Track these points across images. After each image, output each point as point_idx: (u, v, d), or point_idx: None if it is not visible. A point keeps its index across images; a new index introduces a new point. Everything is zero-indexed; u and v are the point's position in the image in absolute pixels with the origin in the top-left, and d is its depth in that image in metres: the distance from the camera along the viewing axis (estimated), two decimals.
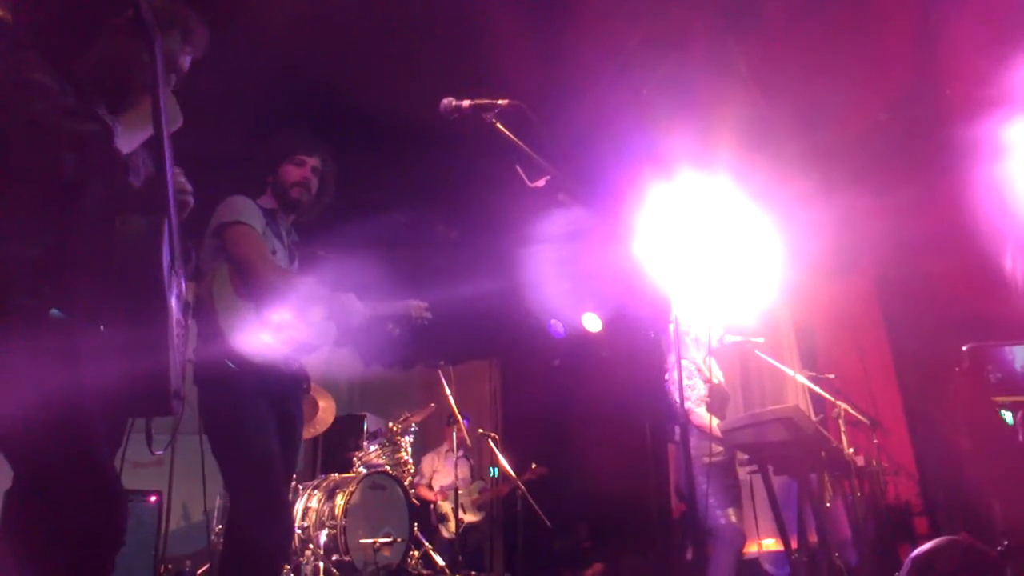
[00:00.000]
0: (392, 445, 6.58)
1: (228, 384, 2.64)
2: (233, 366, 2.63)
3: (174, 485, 4.97)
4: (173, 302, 1.93)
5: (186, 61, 2.21)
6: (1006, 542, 2.76)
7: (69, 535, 1.77)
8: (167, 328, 1.86)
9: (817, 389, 5.38)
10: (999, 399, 2.84)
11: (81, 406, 1.80)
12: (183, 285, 2.07)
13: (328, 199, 3.25)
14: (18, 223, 1.81)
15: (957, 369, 3.03)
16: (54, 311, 1.78)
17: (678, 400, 4.08)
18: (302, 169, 3.10)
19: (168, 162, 1.91)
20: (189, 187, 2.16)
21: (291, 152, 3.11)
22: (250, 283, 2.72)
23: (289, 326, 2.78)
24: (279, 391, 2.85)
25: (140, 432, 2.07)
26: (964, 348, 3.01)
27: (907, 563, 2.67)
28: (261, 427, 2.68)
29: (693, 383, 4.40)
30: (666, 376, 4.34)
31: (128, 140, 1.93)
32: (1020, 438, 2.79)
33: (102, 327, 1.81)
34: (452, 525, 6.86)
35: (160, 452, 2.13)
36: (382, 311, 3.24)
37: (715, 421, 4.23)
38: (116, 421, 2.03)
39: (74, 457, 1.80)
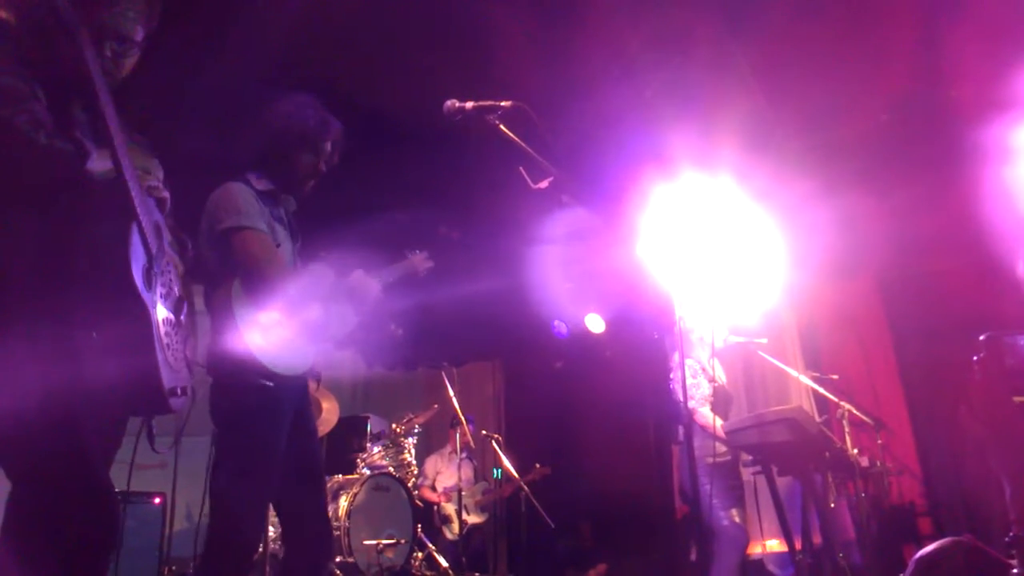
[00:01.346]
0: (395, 447, 6.59)
1: (253, 394, 2.60)
2: (270, 384, 2.60)
3: (178, 487, 4.99)
4: (159, 301, 1.93)
5: (137, 31, 2.12)
6: (1012, 532, 2.76)
7: (63, 539, 1.77)
8: (149, 328, 1.85)
9: (821, 390, 5.37)
10: (1017, 399, 2.86)
11: (69, 409, 1.80)
12: (174, 283, 2.05)
13: (330, 167, 3.07)
14: None
15: (975, 358, 3.05)
16: (40, 317, 1.79)
17: (682, 400, 4.09)
18: (316, 160, 2.93)
19: (125, 162, 1.86)
20: (155, 182, 2.11)
21: (312, 142, 2.90)
22: (265, 292, 2.67)
23: (311, 330, 2.77)
24: (301, 390, 2.85)
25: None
26: (982, 338, 3.04)
27: (911, 564, 2.66)
28: (277, 434, 2.67)
29: (698, 382, 4.40)
30: (671, 376, 4.34)
31: (102, 164, 1.91)
32: None
33: (83, 331, 1.81)
34: (456, 526, 6.86)
35: (165, 451, 2.12)
36: (387, 277, 3.15)
37: (719, 422, 4.23)
38: (113, 422, 2.03)
39: (65, 460, 1.80)
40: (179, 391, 1.96)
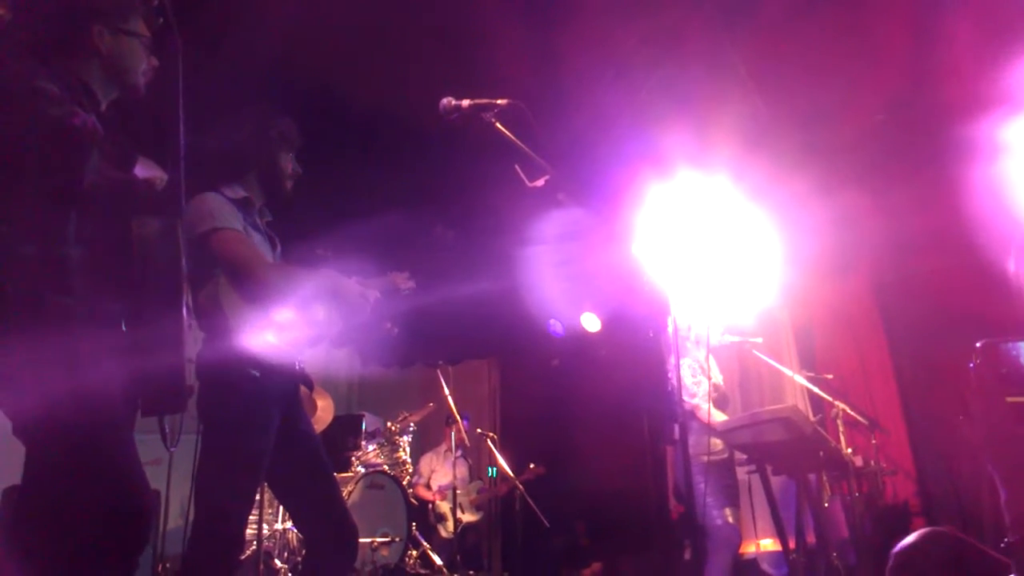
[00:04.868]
0: (390, 444, 6.59)
1: (239, 386, 2.62)
2: (257, 374, 2.62)
3: (172, 484, 4.98)
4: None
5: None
6: (1008, 538, 2.76)
7: (94, 534, 1.77)
8: (183, 327, 1.90)
9: (815, 389, 5.38)
10: (1010, 399, 2.86)
11: (108, 402, 1.83)
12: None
13: None
14: (41, 224, 1.84)
15: (971, 364, 3.05)
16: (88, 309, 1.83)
17: (679, 399, 4.09)
18: (293, 162, 3.03)
19: (181, 166, 1.92)
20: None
21: (293, 143, 3.01)
22: (252, 287, 2.69)
23: (301, 321, 2.77)
24: (291, 390, 2.84)
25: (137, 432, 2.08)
26: (977, 344, 3.04)
27: (891, 558, 2.65)
28: (265, 431, 2.67)
29: (699, 380, 4.41)
30: (667, 375, 4.34)
31: (145, 171, 1.96)
32: None
33: (124, 326, 1.86)
34: (450, 525, 6.87)
35: (174, 449, 2.14)
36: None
37: (721, 416, 4.25)
38: (131, 419, 2.05)
39: (96, 453, 1.81)
40: (191, 390, 2.01)
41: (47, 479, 1.81)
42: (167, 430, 2.09)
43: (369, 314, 2.98)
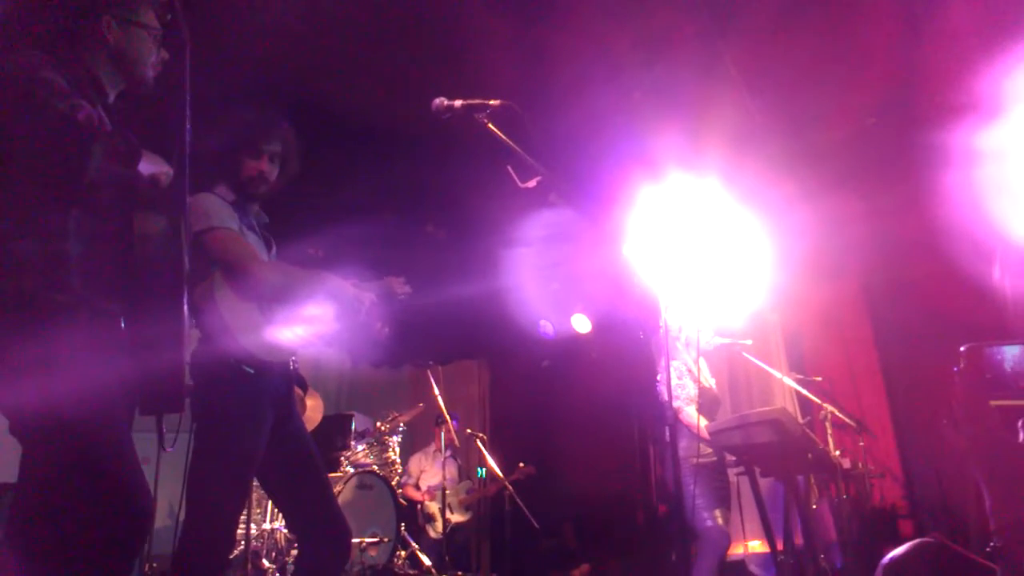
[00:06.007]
0: (380, 445, 6.59)
1: (233, 383, 2.61)
2: (251, 371, 2.61)
3: (161, 482, 4.96)
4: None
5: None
6: (992, 543, 2.78)
7: (93, 535, 1.76)
8: (183, 326, 1.88)
9: (804, 391, 5.40)
10: (996, 402, 2.87)
11: (107, 401, 1.83)
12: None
13: (292, 175, 3.01)
14: (42, 219, 1.83)
15: (956, 369, 3.06)
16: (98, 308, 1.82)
17: (667, 400, 4.09)
18: (260, 161, 2.86)
19: (186, 163, 1.90)
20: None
21: (250, 143, 2.86)
22: (246, 285, 2.68)
23: (296, 319, 2.77)
24: (284, 390, 2.84)
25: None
26: (962, 348, 3.05)
27: (879, 570, 2.66)
28: (257, 429, 2.66)
29: (684, 383, 4.41)
30: (656, 377, 4.35)
31: (150, 167, 1.94)
32: (1021, 439, 2.82)
33: (123, 323, 1.85)
34: (439, 525, 6.86)
35: (171, 449, 2.11)
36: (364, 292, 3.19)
37: (704, 422, 4.25)
38: (130, 418, 2.04)
39: (95, 453, 1.80)
40: (189, 390, 1.99)
41: (45, 478, 1.79)
42: (164, 430, 2.07)
43: (364, 316, 2.97)
